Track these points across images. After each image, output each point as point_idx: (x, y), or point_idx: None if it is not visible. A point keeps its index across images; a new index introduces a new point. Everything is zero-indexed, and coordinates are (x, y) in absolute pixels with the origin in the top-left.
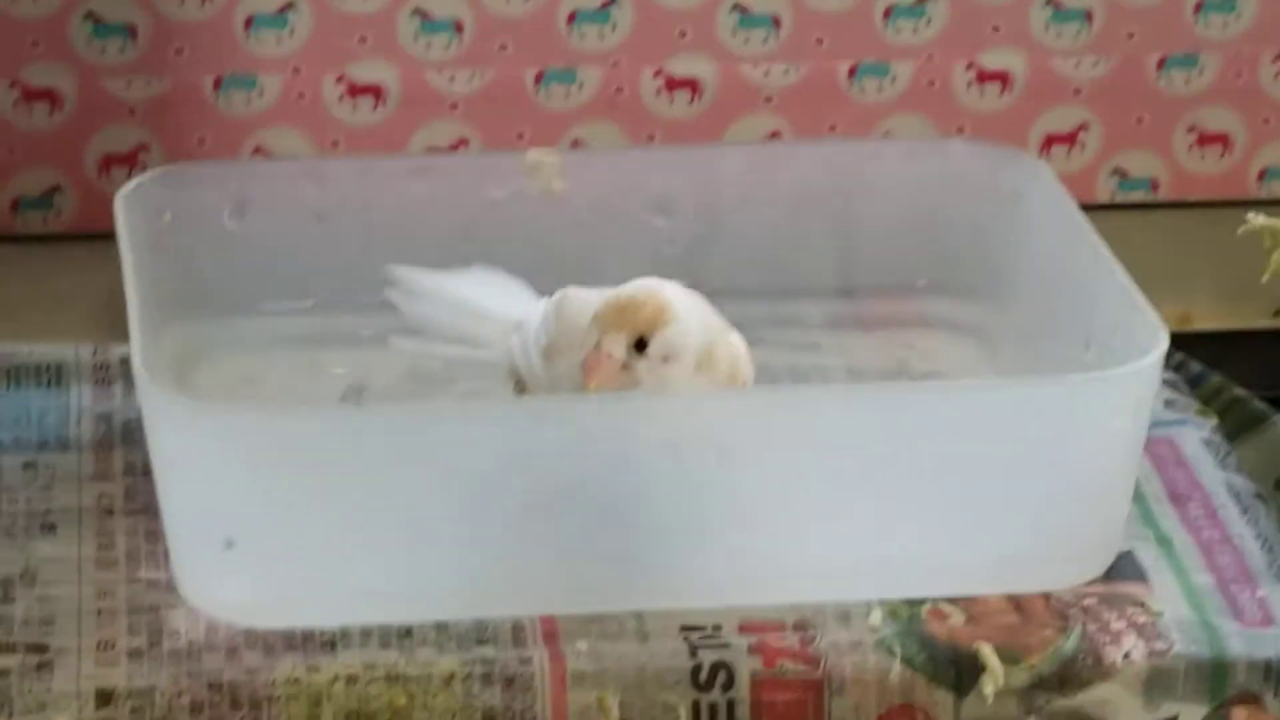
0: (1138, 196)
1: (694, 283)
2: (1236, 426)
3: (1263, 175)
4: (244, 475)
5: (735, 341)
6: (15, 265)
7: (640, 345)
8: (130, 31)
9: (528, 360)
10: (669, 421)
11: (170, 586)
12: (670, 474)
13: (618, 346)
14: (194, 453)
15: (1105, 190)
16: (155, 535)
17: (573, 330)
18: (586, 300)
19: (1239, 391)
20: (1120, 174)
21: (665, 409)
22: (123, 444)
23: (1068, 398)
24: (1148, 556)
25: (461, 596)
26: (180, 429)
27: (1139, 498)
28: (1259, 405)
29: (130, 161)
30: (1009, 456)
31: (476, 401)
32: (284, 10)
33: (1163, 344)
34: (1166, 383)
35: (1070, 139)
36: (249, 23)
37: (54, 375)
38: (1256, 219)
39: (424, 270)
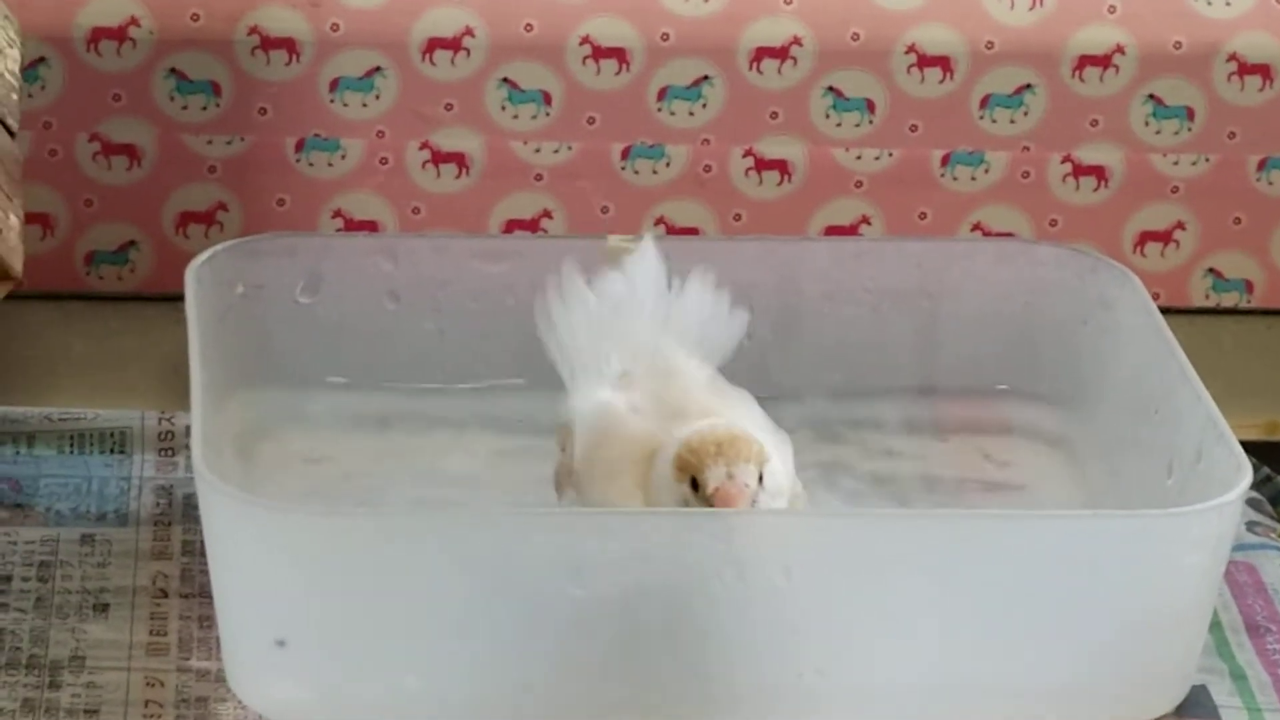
0: (1231, 298)
1: (771, 380)
2: None
3: None
4: (298, 575)
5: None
6: (87, 323)
7: (759, 479)
8: (214, 89)
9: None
10: (735, 539)
11: (220, 678)
12: (733, 591)
13: (752, 478)
14: (249, 549)
15: (1199, 290)
16: (209, 620)
17: (613, 451)
18: (625, 420)
19: None
20: (1215, 274)
21: (732, 526)
22: (182, 520)
23: (1145, 532)
24: (1221, 692)
25: (514, 704)
26: (236, 524)
27: (1215, 627)
28: None
29: (208, 220)
30: (1081, 586)
31: (536, 510)
32: (370, 74)
33: (1245, 480)
34: (1250, 503)
35: (1165, 237)
36: (334, 85)
37: (117, 442)
38: None
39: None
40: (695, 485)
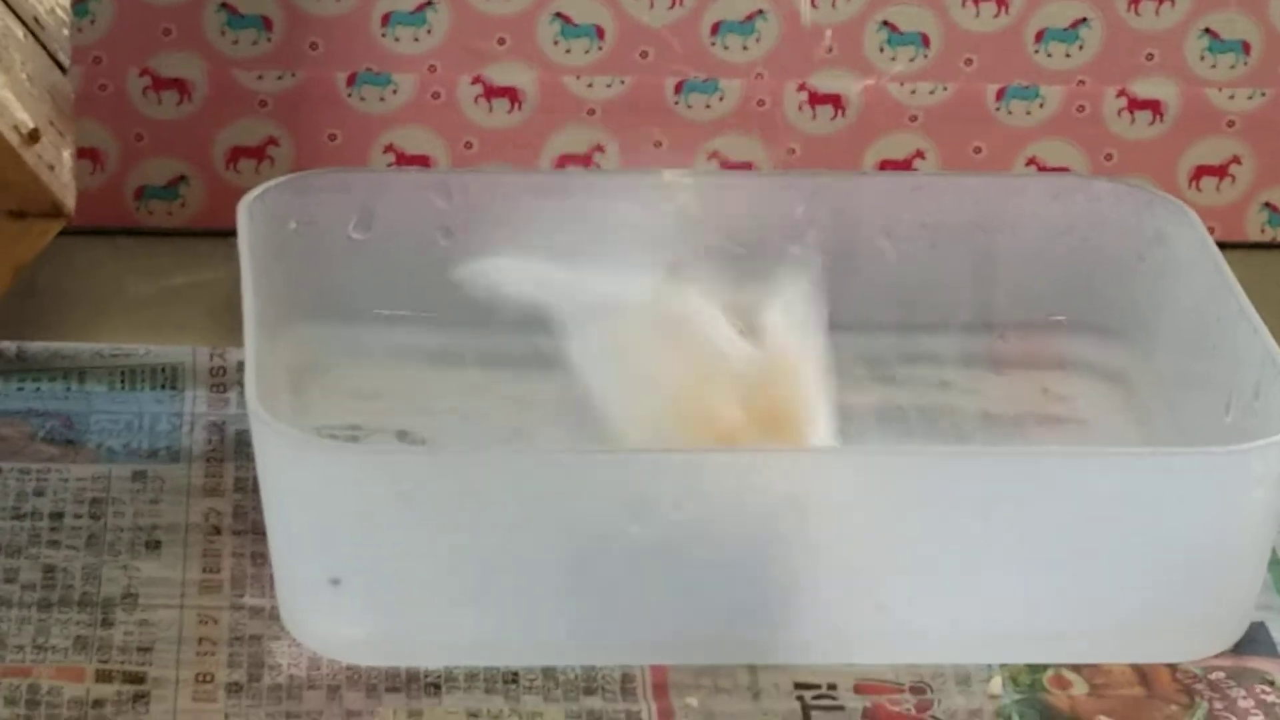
0: None
1: (827, 315)
2: None
3: None
4: (353, 513)
5: None
6: (137, 259)
7: None
8: (265, 23)
9: None
10: (792, 476)
11: (274, 615)
12: (791, 527)
13: None
14: (303, 486)
15: (1255, 225)
16: (261, 558)
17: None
18: None
19: None
20: (1271, 209)
21: (788, 463)
22: (235, 457)
23: (1204, 469)
24: None
25: (571, 642)
26: (290, 461)
27: (1274, 565)
28: None
29: (259, 155)
30: (1140, 524)
31: (595, 448)
32: (422, 8)
33: None
34: None
35: (1220, 172)
36: (386, 19)
37: (169, 378)
38: None
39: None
40: None
